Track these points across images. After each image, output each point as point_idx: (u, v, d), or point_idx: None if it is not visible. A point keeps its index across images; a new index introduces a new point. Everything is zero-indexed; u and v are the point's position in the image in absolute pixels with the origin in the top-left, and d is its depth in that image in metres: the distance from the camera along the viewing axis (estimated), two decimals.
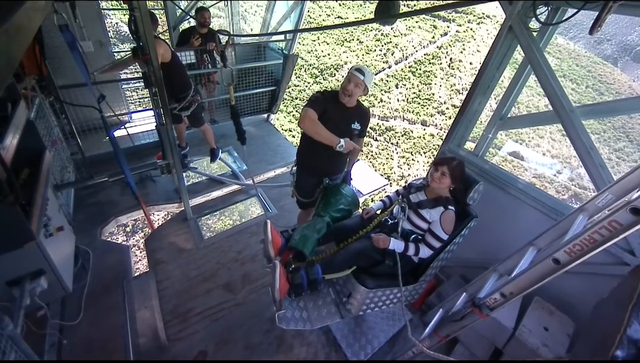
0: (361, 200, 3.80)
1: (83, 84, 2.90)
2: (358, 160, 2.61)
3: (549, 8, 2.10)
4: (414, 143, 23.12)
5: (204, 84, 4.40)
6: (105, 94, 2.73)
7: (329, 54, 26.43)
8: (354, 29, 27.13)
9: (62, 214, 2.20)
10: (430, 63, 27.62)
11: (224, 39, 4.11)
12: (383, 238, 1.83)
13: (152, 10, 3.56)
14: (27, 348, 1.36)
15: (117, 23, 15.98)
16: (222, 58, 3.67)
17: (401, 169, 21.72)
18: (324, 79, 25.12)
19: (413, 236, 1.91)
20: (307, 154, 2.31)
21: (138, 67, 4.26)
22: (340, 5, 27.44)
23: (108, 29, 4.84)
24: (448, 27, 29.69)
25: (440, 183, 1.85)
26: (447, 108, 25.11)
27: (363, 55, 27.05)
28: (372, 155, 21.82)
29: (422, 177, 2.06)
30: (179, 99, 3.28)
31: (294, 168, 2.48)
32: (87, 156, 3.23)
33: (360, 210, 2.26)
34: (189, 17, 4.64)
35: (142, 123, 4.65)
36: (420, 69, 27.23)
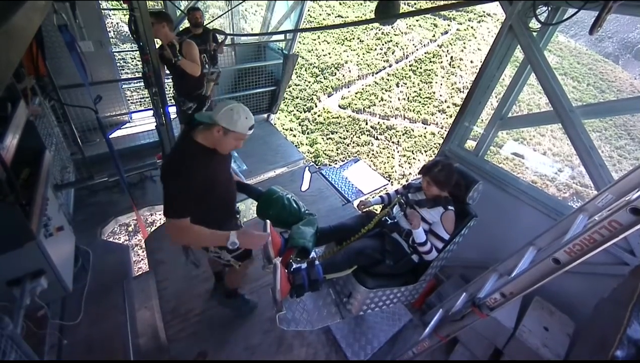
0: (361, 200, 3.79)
1: (82, 84, 2.90)
2: None
3: (549, 8, 2.09)
4: (414, 142, 23.11)
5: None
6: (105, 94, 2.73)
7: (329, 53, 26.42)
8: (355, 27, 27.10)
9: (62, 214, 2.20)
10: (430, 61, 27.61)
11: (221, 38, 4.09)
12: (417, 216, 1.83)
13: (165, 11, 3.53)
14: (28, 348, 1.36)
15: (117, 23, 16.01)
16: (213, 58, 3.64)
17: (402, 167, 21.71)
18: (324, 78, 25.09)
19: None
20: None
21: (139, 67, 4.27)
22: (340, 4, 27.39)
23: (108, 29, 4.83)
24: (449, 25, 29.66)
25: (428, 191, 1.88)
26: (448, 106, 25.10)
27: (363, 54, 27.05)
28: (373, 154, 21.79)
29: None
30: (193, 98, 3.27)
31: None
32: (87, 156, 3.23)
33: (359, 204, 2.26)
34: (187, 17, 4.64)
35: (142, 123, 4.66)
36: (420, 68, 27.21)
